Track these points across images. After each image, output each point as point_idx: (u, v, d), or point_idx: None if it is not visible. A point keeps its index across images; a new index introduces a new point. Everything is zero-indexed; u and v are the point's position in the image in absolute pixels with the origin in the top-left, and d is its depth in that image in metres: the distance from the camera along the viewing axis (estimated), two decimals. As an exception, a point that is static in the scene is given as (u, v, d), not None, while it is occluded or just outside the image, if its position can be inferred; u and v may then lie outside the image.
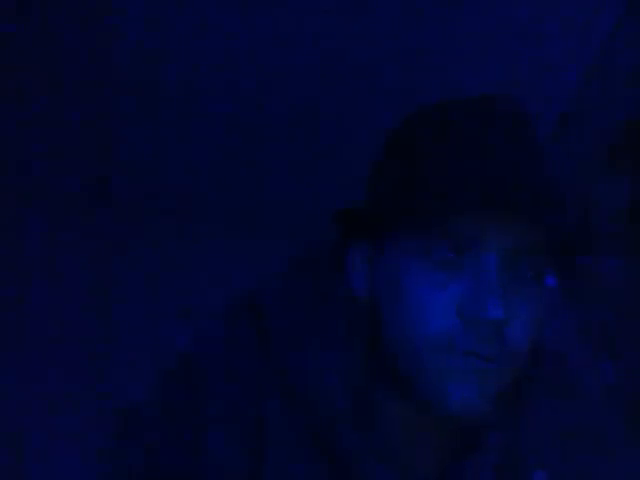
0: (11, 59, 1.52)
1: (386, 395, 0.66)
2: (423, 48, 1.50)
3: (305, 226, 1.90)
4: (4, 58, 1.51)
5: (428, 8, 1.42)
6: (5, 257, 1.75)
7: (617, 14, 1.37)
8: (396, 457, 0.66)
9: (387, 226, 0.65)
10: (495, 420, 0.66)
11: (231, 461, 0.64)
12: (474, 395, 0.62)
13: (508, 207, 0.60)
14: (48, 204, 1.79)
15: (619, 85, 1.46)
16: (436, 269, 0.63)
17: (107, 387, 1.71)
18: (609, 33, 1.40)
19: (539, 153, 0.63)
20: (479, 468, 0.67)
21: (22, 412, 1.68)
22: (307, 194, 1.88)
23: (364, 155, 1.79)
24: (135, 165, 1.81)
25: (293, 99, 1.63)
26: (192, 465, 0.64)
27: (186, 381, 0.69)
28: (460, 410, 0.62)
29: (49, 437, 1.66)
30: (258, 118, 1.69)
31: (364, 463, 0.64)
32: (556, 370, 0.71)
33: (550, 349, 0.69)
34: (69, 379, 1.72)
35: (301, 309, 0.70)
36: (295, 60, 1.55)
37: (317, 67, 1.56)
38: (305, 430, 0.64)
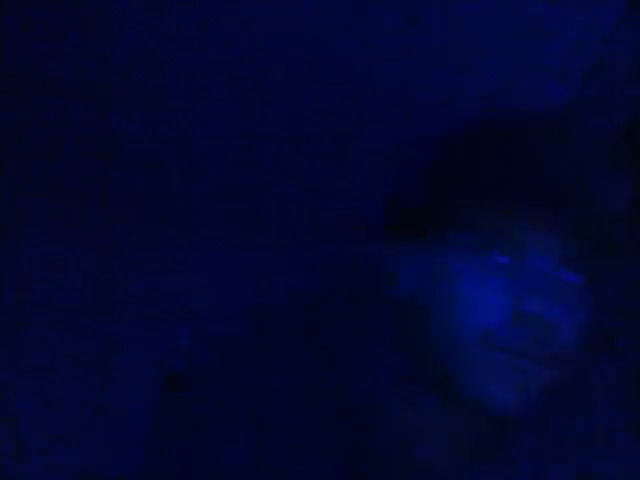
0: (11, 59, 1.52)
1: (421, 395, 0.67)
2: (423, 48, 1.50)
3: (305, 227, 1.90)
4: (4, 58, 1.51)
5: (428, 8, 1.42)
6: (5, 257, 1.75)
7: (617, 14, 1.37)
8: (415, 457, 0.67)
9: (440, 224, 0.68)
10: (525, 423, 0.67)
11: (260, 460, 0.64)
12: (515, 394, 0.64)
13: (562, 216, 0.62)
14: (48, 204, 1.79)
15: (619, 85, 1.46)
16: (489, 270, 0.66)
17: (107, 387, 1.71)
18: (609, 33, 1.40)
19: (594, 173, 0.66)
20: (503, 475, 0.68)
21: (22, 412, 1.67)
22: (307, 194, 1.88)
23: (364, 155, 1.79)
24: (135, 165, 1.81)
25: (293, 99, 1.63)
26: (194, 466, 0.65)
27: (218, 378, 0.70)
28: (499, 408, 0.64)
29: (49, 437, 1.65)
30: (258, 118, 1.69)
31: (379, 462, 0.65)
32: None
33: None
34: (69, 379, 1.72)
35: (346, 307, 0.71)
36: (295, 60, 1.55)
37: (317, 67, 1.56)
38: (311, 429, 0.65)
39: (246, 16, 1.45)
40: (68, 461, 1.61)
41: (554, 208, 0.62)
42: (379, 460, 0.65)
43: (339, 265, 0.74)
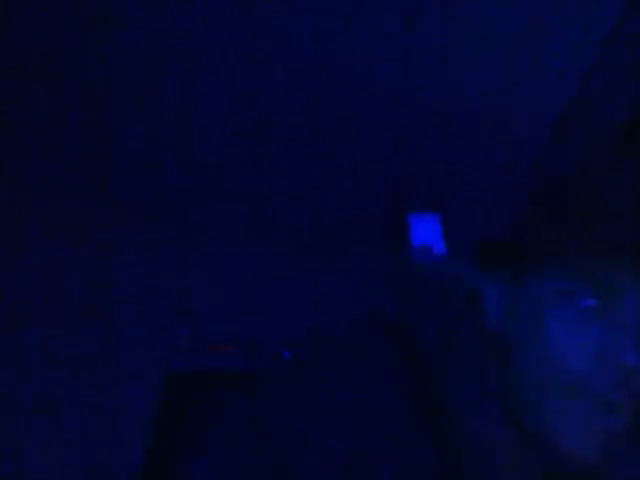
0: (11, 59, 1.52)
1: (498, 427, 0.67)
2: (423, 48, 1.50)
3: (306, 226, 1.90)
4: (4, 58, 1.51)
5: (428, 8, 1.42)
6: (5, 257, 1.75)
7: (617, 14, 1.37)
8: None
9: (533, 262, 0.67)
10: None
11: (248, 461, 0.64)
12: (590, 442, 0.63)
13: None
14: (48, 204, 1.79)
15: (619, 85, 1.46)
16: (578, 313, 0.64)
17: (107, 387, 1.71)
18: (609, 33, 1.40)
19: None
20: None
21: (22, 412, 1.68)
22: (308, 194, 1.88)
23: (364, 155, 1.79)
24: (135, 165, 1.81)
25: (293, 99, 1.63)
26: (194, 466, 0.64)
27: (217, 378, 0.70)
28: (572, 455, 0.62)
29: (49, 437, 1.66)
30: (258, 118, 1.68)
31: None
32: None
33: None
34: (69, 379, 1.72)
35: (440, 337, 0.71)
36: (295, 60, 1.55)
37: (317, 67, 1.56)
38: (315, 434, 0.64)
39: (246, 16, 1.45)
40: (68, 461, 1.61)
41: None
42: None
43: (341, 265, 0.74)
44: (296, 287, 1.66)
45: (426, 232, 1.63)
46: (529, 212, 0.71)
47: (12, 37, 1.48)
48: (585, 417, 0.63)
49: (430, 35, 1.46)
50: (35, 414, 1.66)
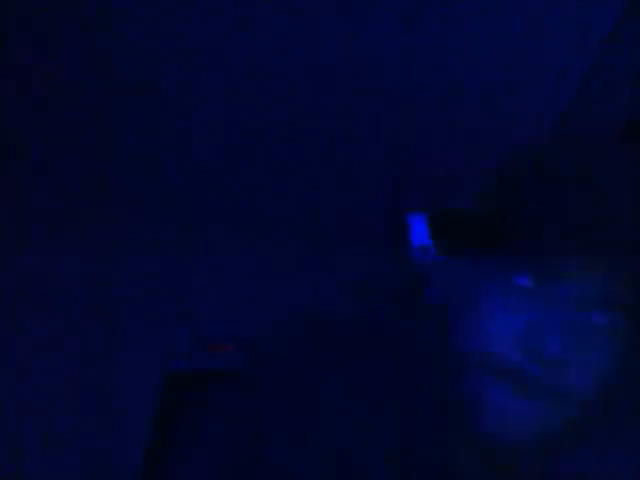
0: (11, 59, 1.52)
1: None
2: (423, 48, 1.50)
3: (306, 226, 1.90)
4: (4, 58, 1.51)
5: (428, 8, 1.42)
6: (5, 257, 1.75)
7: (617, 14, 1.37)
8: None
9: (478, 241, 0.67)
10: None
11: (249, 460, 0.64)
12: (510, 428, 0.62)
13: (599, 261, 0.60)
14: (48, 204, 1.79)
15: (619, 85, 1.46)
16: (512, 293, 0.64)
17: (107, 387, 1.71)
18: (609, 33, 1.40)
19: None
20: None
21: (22, 412, 1.68)
22: (307, 194, 1.88)
23: (364, 155, 1.79)
24: (135, 165, 1.81)
25: (293, 99, 1.63)
26: (194, 466, 0.64)
27: (217, 378, 0.69)
28: (492, 440, 0.62)
29: (49, 437, 1.65)
30: (258, 118, 1.68)
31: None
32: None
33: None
34: (69, 379, 1.72)
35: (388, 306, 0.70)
36: (295, 60, 1.55)
37: (317, 67, 1.56)
38: (315, 433, 0.64)
39: (246, 16, 1.45)
40: (68, 461, 1.61)
41: (598, 245, 0.59)
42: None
43: (341, 265, 0.73)
44: (296, 287, 1.66)
45: (426, 232, 1.63)
46: (495, 189, 0.71)
47: (12, 37, 1.48)
48: (507, 396, 0.63)
49: (430, 35, 1.46)
50: (35, 414, 1.66)
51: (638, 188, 0.63)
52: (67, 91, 1.62)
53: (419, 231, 1.66)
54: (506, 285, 0.60)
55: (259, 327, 0.67)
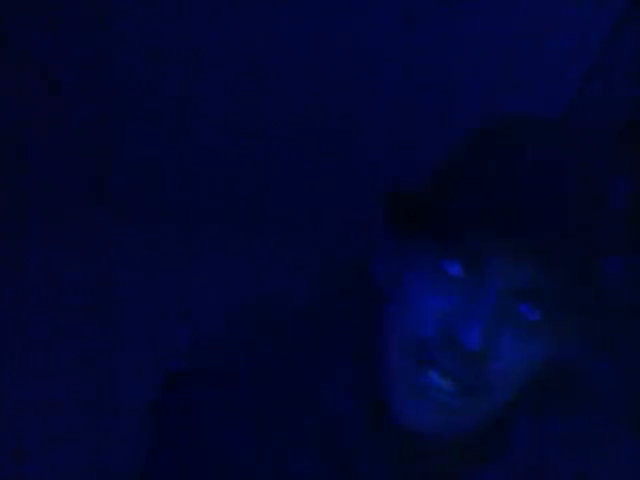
0: (11, 59, 1.52)
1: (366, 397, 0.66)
2: (423, 48, 1.50)
3: (305, 226, 1.90)
4: (4, 58, 1.51)
5: (428, 8, 1.42)
6: (5, 257, 1.75)
7: (617, 14, 1.37)
8: (400, 460, 0.66)
9: (415, 219, 0.65)
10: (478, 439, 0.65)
11: (259, 460, 0.64)
12: (427, 414, 0.61)
13: (528, 251, 0.58)
14: (48, 204, 1.79)
15: (619, 85, 1.46)
16: (439, 279, 0.62)
17: (107, 387, 1.71)
18: (609, 33, 1.40)
19: (585, 206, 0.61)
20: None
21: (22, 412, 1.68)
22: (307, 194, 1.88)
23: (364, 155, 1.78)
24: (135, 165, 1.81)
25: (293, 99, 1.63)
26: (219, 460, 0.64)
27: (217, 378, 0.69)
28: (410, 424, 0.61)
29: (49, 437, 1.65)
30: (258, 118, 1.68)
31: (369, 465, 0.64)
32: (568, 383, 0.70)
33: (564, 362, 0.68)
34: (69, 379, 1.72)
35: (345, 306, 0.70)
36: (295, 60, 1.55)
37: (317, 67, 1.56)
38: (320, 433, 0.64)
39: (246, 16, 1.45)
40: (68, 461, 1.61)
41: (532, 235, 0.57)
42: (366, 459, 0.64)
43: (329, 264, 0.73)
44: (296, 287, 1.66)
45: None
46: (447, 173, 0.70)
47: (12, 37, 1.48)
48: (420, 387, 0.62)
49: (430, 35, 1.46)
50: (35, 414, 1.66)
51: (638, 188, 0.63)
52: (67, 91, 1.62)
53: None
54: (434, 270, 0.59)
55: (259, 327, 0.67)
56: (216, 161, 1.79)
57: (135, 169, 1.80)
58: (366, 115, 1.65)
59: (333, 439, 0.64)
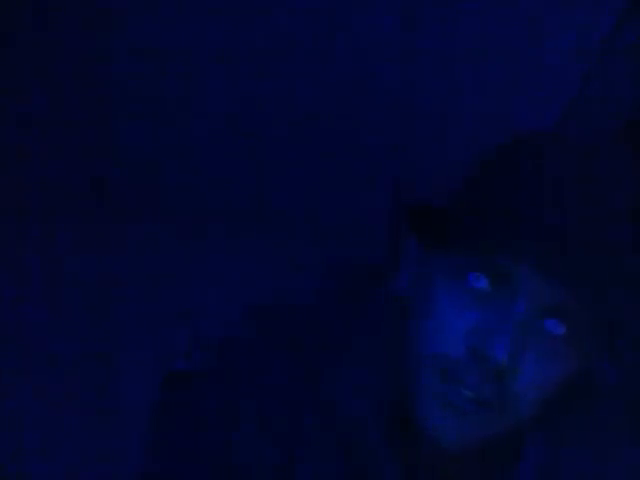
0: (11, 59, 1.52)
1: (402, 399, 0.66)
2: (423, 48, 1.50)
3: (306, 226, 1.90)
4: (4, 58, 1.51)
5: (428, 8, 1.42)
6: (5, 257, 1.75)
7: (617, 14, 1.37)
8: (416, 464, 0.66)
9: (443, 234, 0.64)
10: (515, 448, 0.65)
11: (261, 459, 0.63)
12: (451, 430, 0.61)
13: (559, 267, 0.57)
14: (48, 204, 1.79)
15: (619, 85, 1.46)
16: (467, 293, 0.62)
17: (107, 387, 1.71)
18: (609, 33, 1.40)
19: (617, 224, 0.61)
20: None
21: (22, 412, 1.67)
22: (307, 194, 1.88)
23: (364, 154, 1.78)
24: (135, 165, 1.81)
25: (293, 99, 1.63)
26: (220, 460, 0.64)
27: (219, 378, 0.68)
28: (433, 432, 0.61)
29: (49, 437, 1.65)
30: (258, 118, 1.68)
31: (382, 467, 0.63)
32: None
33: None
34: (69, 379, 1.72)
35: (344, 307, 0.69)
36: (295, 60, 1.55)
37: (317, 67, 1.56)
38: (335, 434, 0.64)
39: (246, 16, 1.45)
40: (68, 461, 1.61)
41: (561, 250, 0.57)
42: (376, 459, 0.64)
43: (340, 265, 0.73)
44: (296, 287, 1.66)
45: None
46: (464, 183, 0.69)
47: (12, 37, 1.48)
48: (446, 403, 0.61)
49: (430, 35, 1.46)
50: (35, 414, 1.66)
51: (638, 188, 0.63)
52: (67, 91, 1.62)
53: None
54: (460, 285, 0.58)
55: (259, 327, 0.67)
56: (216, 161, 1.79)
57: (135, 169, 1.80)
58: (366, 115, 1.65)
59: (348, 439, 0.64)
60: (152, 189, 1.86)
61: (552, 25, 1.43)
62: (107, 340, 1.75)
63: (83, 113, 1.66)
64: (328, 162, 1.76)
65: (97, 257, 1.82)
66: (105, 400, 1.69)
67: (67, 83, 1.60)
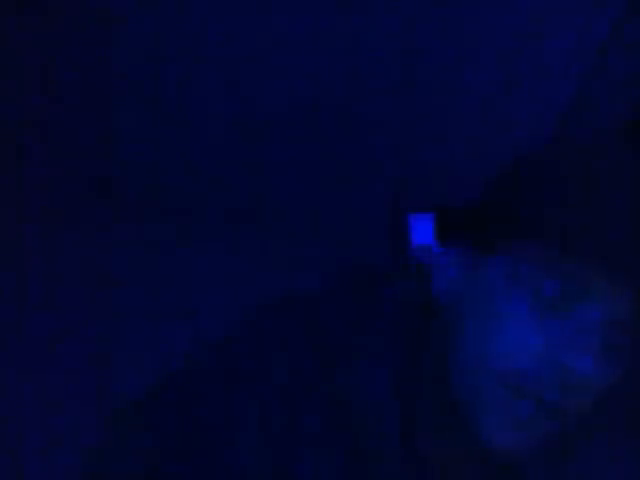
0: (11, 59, 1.52)
1: (429, 408, 0.64)
2: (423, 48, 1.49)
3: (306, 225, 1.90)
4: (4, 58, 1.51)
5: (428, 8, 1.42)
6: (5, 257, 1.75)
7: (617, 14, 1.37)
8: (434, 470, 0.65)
9: (501, 240, 0.61)
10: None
11: (261, 459, 0.63)
12: (522, 442, 0.59)
13: (630, 270, 0.56)
14: (48, 204, 1.79)
15: (619, 85, 1.46)
16: (540, 304, 0.59)
17: (107, 387, 1.71)
18: (609, 33, 1.40)
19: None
20: None
21: (22, 412, 1.67)
22: (307, 194, 1.88)
23: (364, 154, 1.78)
24: (135, 165, 1.80)
25: (293, 99, 1.63)
26: (220, 460, 0.64)
27: (219, 378, 0.68)
28: (499, 451, 0.59)
29: (49, 437, 1.65)
30: (258, 118, 1.68)
31: (401, 468, 0.63)
32: None
33: None
34: (69, 379, 1.72)
35: (347, 306, 0.68)
36: (295, 60, 1.54)
37: (317, 67, 1.56)
38: (329, 431, 0.63)
39: (246, 17, 1.45)
40: (68, 461, 1.60)
41: (633, 262, 0.55)
42: (377, 460, 0.64)
43: (341, 265, 0.73)
44: (296, 287, 1.65)
45: (426, 232, 1.63)
46: (505, 185, 0.67)
47: (12, 37, 1.48)
48: (523, 418, 0.59)
49: (430, 35, 1.46)
50: (35, 414, 1.66)
51: (638, 188, 0.62)
52: (67, 91, 1.62)
53: (420, 231, 1.66)
54: (529, 292, 0.55)
55: (259, 327, 0.67)
56: (217, 161, 1.79)
57: (136, 169, 1.80)
58: (366, 115, 1.65)
59: (365, 439, 0.63)
60: (153, 189, 1.86)
61: (552, 25, 1.43)
62: (107, 340, 1.75)
63: (83, 113, 1.66)
64: (328, 162, 1.76)
65: (97, 257, 1.82)
66: (105, 400, 1.68)
67: (67, 83, 1.60)
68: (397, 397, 0.65)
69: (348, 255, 1.74)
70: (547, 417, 0.59)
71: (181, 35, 1.51)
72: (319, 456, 0.64)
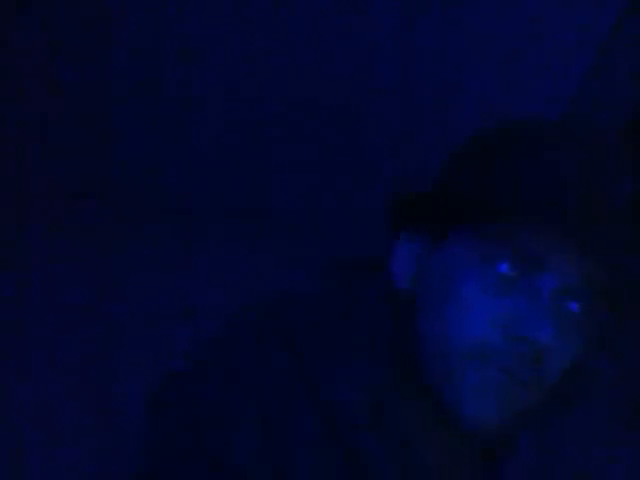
0: (11, 59, 1.52)
1: (407, 395, 0.66)
2: (423, 48, 1.49)
3: (306, 225, 1.90)
4: (4, 58, 1.51)
5: (428, 8, 1.42)
6: (5, 257, 1.75)
7: (617, 14, 1.37)
8: (414, 459, 0.66)
9: (453, 223, 0.65)
10: (515, 433, 0.66)
11: (261, 459, 0.63)
12: (491, 412, 0.62)
13: (580, 239, 0.59)
14: (48, 204, 1.79)
15: (619, 85, 1.46)
16: (495, 279, 0.63)
17: (107, 387, 1.71)
18: (609, 33, 1.40)
19: (620, 189, 0.63)
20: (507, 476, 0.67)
21: (22, 412, 1.67)
22: (307, 194, 1.88)
23: (364, 154, 1.78)
24: (135, 165, 1.81)
25: (293, 99, 1.63)
26: (220, 460, 0.64)
27: (219, 378, 0.68)
28: (473, 424, 0.62)
29: (49, 437, 1.65)
30: (258, 118, 1.68)
31: (380, 465, 0.63)
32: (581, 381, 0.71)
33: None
34: (69, 379, 1.72)
35: (344, 304, 0.69)
36: (295, 60, 1.54)
37: (317, 67, 1.56)
38: (327, 431, 0.64)
39: (246, 16, 1.45)
40: (68, 461, 1.61)
41: (583, 230, 0.58)
42: (375, 459, 0.64)
43: (338, 262, 0.73)
44: (296, 287, 1.65)
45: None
46: (458, 168, 0.70)
47: (12, 37, 1.48)
48: (483, 386, 0.62)
49: (430, 35, 1.46)
50: (35, 414, 1.66)
51: (638, 188, 0.63)
52: (67, 91, 1.62)
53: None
54: (488, 272, 0.59)
55: (259, 326, 0.67)
56: (216, 161, 1.79)
57: (135, 168, 1.80)
58: (366, 115, 1.65)
59: (346, 439, 0.64)
60: (152, 188, 1.86)
61: (552, 24, 1.43)
62: (107, 340, 1.75)
63: (83, 113, 1.66)
64: (328, 162, 1.76)
65: (97, 257, 1.82)
66: (105, 400, 1.69)
67: (67, 83, 1.60)
68: (391, 391, 0.66)
69: (348, 255, 1.74)
70: (514, 386, 0.62)
71: (181, 35, 1.51)
72: (319, 456, 0.64)
